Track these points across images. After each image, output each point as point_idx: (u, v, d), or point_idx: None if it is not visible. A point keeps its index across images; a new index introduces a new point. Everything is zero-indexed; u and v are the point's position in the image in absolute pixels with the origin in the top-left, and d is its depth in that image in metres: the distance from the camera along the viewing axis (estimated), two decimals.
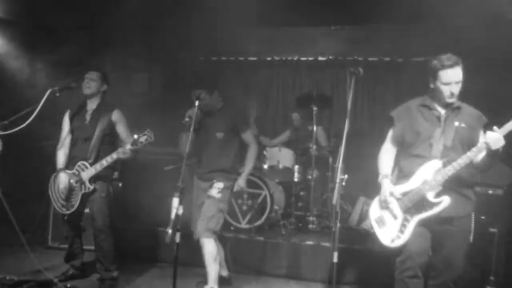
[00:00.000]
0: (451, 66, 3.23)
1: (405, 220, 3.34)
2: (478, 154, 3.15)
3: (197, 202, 4.42)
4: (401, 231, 3.33)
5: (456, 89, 3.28)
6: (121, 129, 4.50)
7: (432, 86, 3.36)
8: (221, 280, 4.41)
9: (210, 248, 4.14)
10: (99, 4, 5.85)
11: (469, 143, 3.26)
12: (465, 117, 3.34)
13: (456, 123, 3.32)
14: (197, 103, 3.82)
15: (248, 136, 4.42)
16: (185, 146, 3.85)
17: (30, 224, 5.58)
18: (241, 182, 4.43)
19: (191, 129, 3.86)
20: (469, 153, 3.16)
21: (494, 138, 3.03)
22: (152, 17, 6.24)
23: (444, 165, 3.25)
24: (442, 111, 3.39)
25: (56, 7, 5.74)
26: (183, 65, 7.66)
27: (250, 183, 4.63)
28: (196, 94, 3.91)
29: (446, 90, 3.28)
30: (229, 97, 4.52)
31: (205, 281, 4.20)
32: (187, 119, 4.08)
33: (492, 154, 3.10)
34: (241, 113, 4.52)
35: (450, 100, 3.31)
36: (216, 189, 4.25)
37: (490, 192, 4.65)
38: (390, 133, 3.64)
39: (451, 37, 5.50)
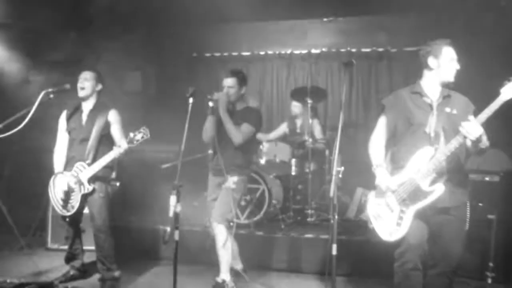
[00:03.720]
0: (450, 44, 3.32)
1: (401, 212, 3.32)
2: (461, 142, 3.11)
3: (211, 197, 4.48)
4: (398, 224, 3.32)
5: (457, 67, 3.34)
6: (116, 130, 4.50)
7: (433, 66, 3.35)
8: (237, 274, 4.52)
9: (223, 235, 4.23)
10: (91, 4, 5.83)
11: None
12: (456, 104, 3.33)
13: (448, 110, 3.30)
14: (191, 100, 3.80)
15: (246, 128, 4.34)
16: (208, 133, 4.33)
17: (29, 226, 5.59)
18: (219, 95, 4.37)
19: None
20: (457, 138, 3.11)
21: (470, 127, 3.01)
22: (144, 15, 6.22)
23: (436, 151, 3.24)
24: (434, 98, 3.37)
25: (46, 9, 5.71)
26: (176, 62, 7.65)
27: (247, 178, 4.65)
28: (191, 92, 3.87)
29: (451, 67, 3.32)
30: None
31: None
32: (214, 98, 4.22)
33: (474, 142, 3.09)
34: (259, 115, 4.54)
35: (452, 79, 3.34)
36: (231, 181, 4.32)
37: (487, 179, 4.66)
38: (380, 121, 3.61)
39: (444, 27, 5.51)
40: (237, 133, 4.28)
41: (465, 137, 3.07)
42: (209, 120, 4.37)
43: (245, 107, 4.53)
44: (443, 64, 3.31)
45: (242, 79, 4.44)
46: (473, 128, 3.01)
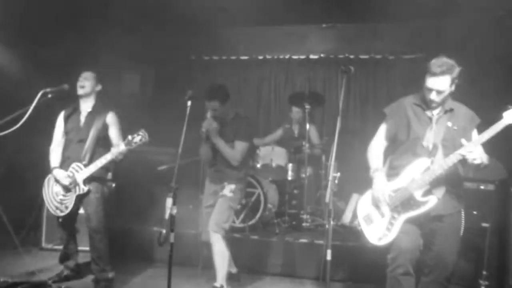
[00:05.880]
0: (436, 74, 3.20)
1: (392, 218, 3.36)
2: (460, 158, 3.15)
3: (207, 203, 4.49)
4: (388, 229, 3.36)
5: (437, 97, 3.26)
6: (113, 133, 4.50)
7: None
8: (230, 277, 4.50)
9: (219, 244, 4.23)
10: (89, 4, 5.83)
11: (460, 144, 3.23)
12: (458, 118, 3.34)
13: (449, 124, 3.32)
14: (189, 103, 3.82)
15: (240, 146, 4.37)
16: (206, 155, 4.45)
17: (23, 226, 5.56)
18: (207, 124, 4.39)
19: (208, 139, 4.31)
20: (456, 153, 3.15)
21: (472, 150, 3.06)
22: (142, 17, 6.23)
23: (432, 163, 3.27)
24: (434, 111, 3.39)
25: (45, 8, 5.71)
26: (175, 65, 7.65)
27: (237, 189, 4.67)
28: (189, 95, 3.91)
29: (427, 94, 3.30)
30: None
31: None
32: (203, 130, 4.29)
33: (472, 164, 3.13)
34: (248, 124, 4.57)
35: (431, 104, 3.33)
36: (228, 189, 4.35)
37: (482, 187, 4.68)
38: (381, 129, 3.65)
39: (441, 35, 5.55)
40: (234, 155, 4.33)
41: (463, 156, 3.11)
42: (203, 148, 4.47)
43: (235, 117, 4.51)
44: (424, 87, 3.32)
45: (223, 97, 4.39)
46: (474, 152, 3.06)
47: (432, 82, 3.24)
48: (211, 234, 4.24)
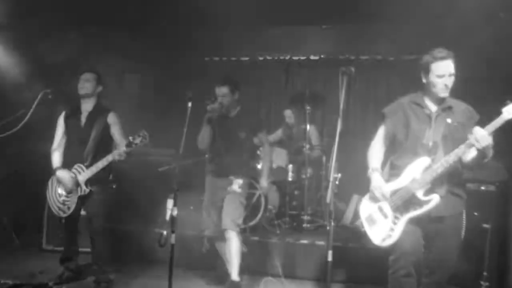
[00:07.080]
0: (442, 58, 3.21)
1: (395, 218, 3.34)
2: (466, 151, 3.12)
3: (213, 199, 4.52)
4: (392, 230, 3.34)
5: (450, 81, 3.25)
6: (116, 132, 4.50)
7: (424, 81, 3.34)
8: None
9: (235, 240, 4.32)
10: (91, 4, 5.83)
11: (460, 141, 3.21)
12: (457, 115, 3.33)
13: (449, 121, 3.30)
14: (189, 104, 3.83)
15: (261, 136, 4.69)
16: (206, 140, 4.45)
17: (24, 227, 5.57)
18: (264, 183, 4.70)
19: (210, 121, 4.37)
20: (457, 150, 3.13)
21: (481, 135, 3.01)
22: (143, 18, 6.23)
23: (433, 162, 3.26)
24: (433, 109, 3.38)
25: (47, 8, 5.72)
26: (175, 66, 7.65)
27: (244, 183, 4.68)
28: (189, 96, 3.91)
29: (439, 83, 3.25)
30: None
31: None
32: (209, 114, 4.33)
33: (481, 151, 3.08)
34: (256, 116, 4.69)
35: (443, 94, 3.28)
36: (237, 184, 4.40)
37: (483, 188, 4.68)
38: (381, 130, 3.64)
39: (442, 36, 5.54)
40: (268, 152, 4.77)
41: (472, 145, 3.06)
42: (204, 130, 4.46)
43: (245, 111, 4.62)
44: (431, 81, 3.29)
45: (234, 86, 4.52)
46: (483, 137, 3.00)
47: (441, 67, 3.23)
48: (227, 231, 4.30)
